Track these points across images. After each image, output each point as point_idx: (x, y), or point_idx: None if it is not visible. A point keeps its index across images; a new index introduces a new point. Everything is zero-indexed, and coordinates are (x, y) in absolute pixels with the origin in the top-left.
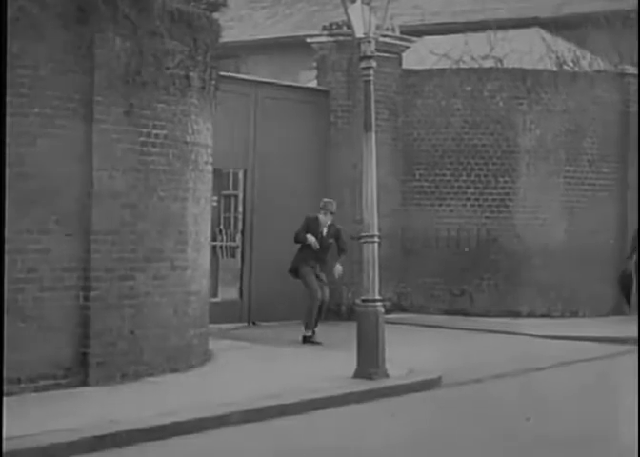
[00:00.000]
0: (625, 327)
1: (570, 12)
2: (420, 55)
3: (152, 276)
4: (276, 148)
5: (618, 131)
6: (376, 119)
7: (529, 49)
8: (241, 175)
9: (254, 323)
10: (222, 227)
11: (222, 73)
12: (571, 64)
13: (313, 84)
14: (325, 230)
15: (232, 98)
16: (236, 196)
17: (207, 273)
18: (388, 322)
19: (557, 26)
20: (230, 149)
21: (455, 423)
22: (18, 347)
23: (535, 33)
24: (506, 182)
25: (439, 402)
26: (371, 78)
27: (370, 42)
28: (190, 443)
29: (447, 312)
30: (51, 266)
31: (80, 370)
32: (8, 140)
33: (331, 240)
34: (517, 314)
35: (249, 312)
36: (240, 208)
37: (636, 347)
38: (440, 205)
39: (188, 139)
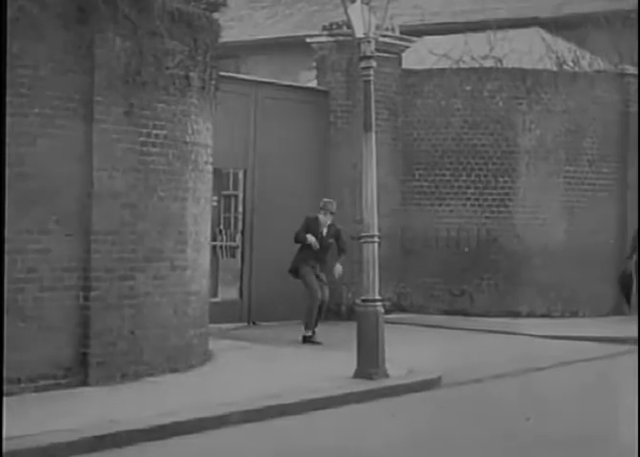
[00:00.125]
0: (625, 327)
1: (570, 12)
2: (420, 55)
3: (152, 276)
4: (276, 148)
5: (618, 131)
6: (376, 119)
7: (528, 49)
8: (241, 175)
9: (254, 323)
10: (222, 227)
11: (222, 73)
12: (571, 64)
13: (313, 84)
14: (325, 230)
15: (232, 98)
16: (236, 196)
17: (207, 273)
18: (387, 322)
19: (557, 26)
20: (229, 148)
21: (455, 423)
22: (18, 347)
23: (535, 33)
24: (506, 182)
25: (439, 402)
26: (371, 78)
27: (369, 42)
28: (189, 443)
29: (447, 312)
30: (51, 266)
31: (80, 370)
32: (8, 140)
33: (331, 240)
34: (517, 314)
35: (249, 312)
36: (240, 208)
37: (636, 347)
38: (440, 205)
39: (188, 139)
